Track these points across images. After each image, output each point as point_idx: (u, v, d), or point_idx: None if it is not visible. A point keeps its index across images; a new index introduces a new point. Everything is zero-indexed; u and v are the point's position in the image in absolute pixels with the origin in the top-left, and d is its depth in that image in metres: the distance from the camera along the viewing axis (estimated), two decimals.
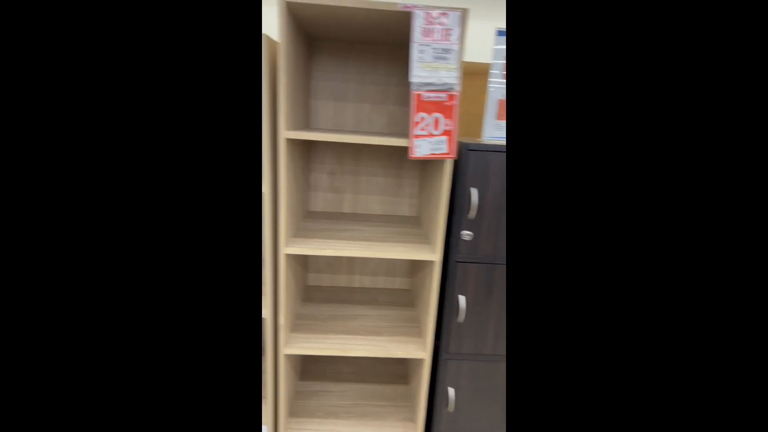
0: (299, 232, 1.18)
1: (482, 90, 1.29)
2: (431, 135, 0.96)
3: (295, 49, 1.04)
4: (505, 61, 1.08)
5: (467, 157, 1.04)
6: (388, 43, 1.30)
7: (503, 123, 1.12)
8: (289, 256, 1.09)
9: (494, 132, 1.13)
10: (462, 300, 1.13)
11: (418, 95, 0.93)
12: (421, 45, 0.91)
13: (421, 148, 0.97)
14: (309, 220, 1.32)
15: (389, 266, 1.52)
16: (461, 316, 1.13)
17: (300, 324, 1.23)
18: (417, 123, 0.95)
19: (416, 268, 1.41)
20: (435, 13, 0.89)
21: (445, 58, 0.92)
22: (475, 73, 1.39)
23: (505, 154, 1.04)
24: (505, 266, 1.12)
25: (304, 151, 1.31)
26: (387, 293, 1.49)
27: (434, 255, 1.06)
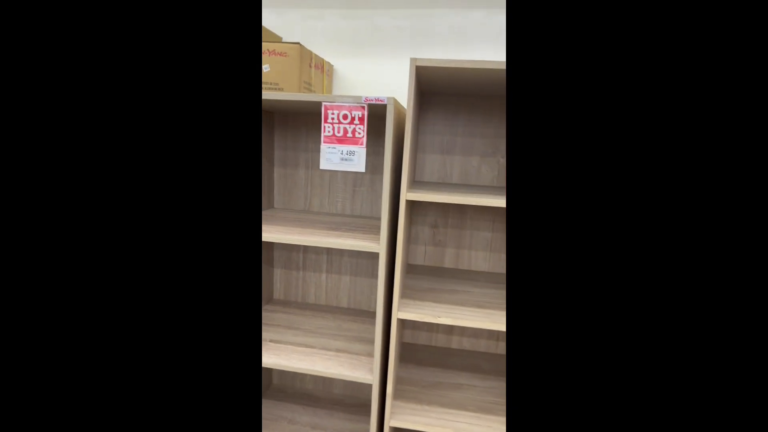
0: (405, 291, 1.12)
1: None
2: None
3: (417, 108, 1.03)
4: None
5: None
6: (497, 96, 1.25)
7: None
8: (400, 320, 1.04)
9: None
10: None
11: None
12: None
13: None
14: (411, 276, 1.27)
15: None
16: None
17: (402, 390, 1.15)
18: None
19: None
20: None
21: None
22: None
23: None
24: None
25: (409, 204, 1.28)
26: (490, 359, 1.37)
27: None
